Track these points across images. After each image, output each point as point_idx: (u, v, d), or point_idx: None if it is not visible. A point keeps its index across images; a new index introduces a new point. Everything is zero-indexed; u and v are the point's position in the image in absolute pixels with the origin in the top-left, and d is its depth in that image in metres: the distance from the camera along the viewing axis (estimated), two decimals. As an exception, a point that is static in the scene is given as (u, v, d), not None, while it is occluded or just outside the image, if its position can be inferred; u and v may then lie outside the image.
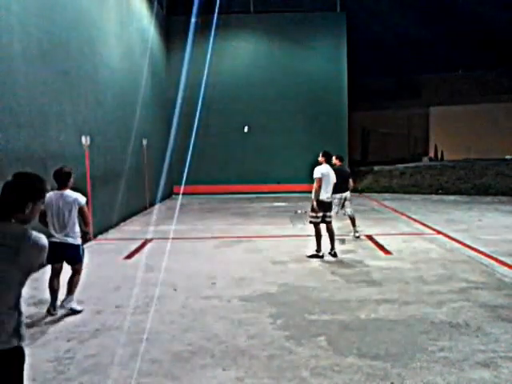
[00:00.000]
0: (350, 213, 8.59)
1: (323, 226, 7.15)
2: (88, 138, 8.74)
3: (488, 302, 4.95)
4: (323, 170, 7.04)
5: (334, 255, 7.10)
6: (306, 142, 17.06)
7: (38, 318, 4.74)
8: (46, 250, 2.12)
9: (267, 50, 17.22)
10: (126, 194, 10.82)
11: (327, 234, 7.18)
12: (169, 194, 16.47)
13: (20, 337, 2.09)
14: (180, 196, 15.83)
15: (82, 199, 4.82)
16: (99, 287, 5.72)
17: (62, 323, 4.59)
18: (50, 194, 4.56)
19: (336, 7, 17.35)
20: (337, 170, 7.63)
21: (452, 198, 14.86)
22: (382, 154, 23.53)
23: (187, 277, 6.15)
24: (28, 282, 6.13)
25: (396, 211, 12.06)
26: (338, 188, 7.68)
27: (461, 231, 8.98)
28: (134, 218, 11.62)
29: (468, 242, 7.93)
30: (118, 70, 11.04)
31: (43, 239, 2.10)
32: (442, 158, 23.51)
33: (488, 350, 3.81)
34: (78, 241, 4.84)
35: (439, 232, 8.96)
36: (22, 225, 2.13)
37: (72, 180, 4.86)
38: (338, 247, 7.39)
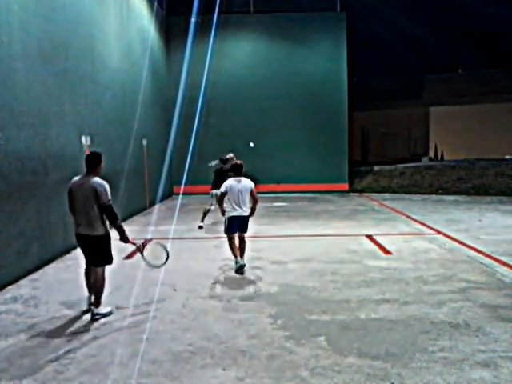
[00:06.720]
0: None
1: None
2: (88, 138, 8.74)
3: (488, 302, 4.95)
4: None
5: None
6: (306, 141, 17.08)
7: (37, 317, 4.75)
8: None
9: (267, 50, 17.20)
10: (126, 194, 10.80)
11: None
12: (169, 194, 16.47)
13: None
14: (180, 196, 15.84)
15: (252, 184, 6.50)
16: (99, 287, 5.71)
17: (61, 323, 4.60)
18: (232, 181, 6.40)
19: (336, 7, 17.34)
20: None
21: (452, 198, 14.86)
22: (382, 153, 23.52)
23: (187, 277, 6.16)
24: (28, 283, 6.10)
25: (396, 211, 12.06)
26: None
27: (461, 231, 8.98)
28: (134, 217, 11.63)
29: (468, 242, 7.93)
30: (118, 70, 11.04)
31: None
32: (442, 158, 23.45)
33: (488, 350, 3.81)
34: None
35: (439, 232, 8.96)
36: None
37: (243, 170, 6.52)
38: (341, 245, 7.34)
